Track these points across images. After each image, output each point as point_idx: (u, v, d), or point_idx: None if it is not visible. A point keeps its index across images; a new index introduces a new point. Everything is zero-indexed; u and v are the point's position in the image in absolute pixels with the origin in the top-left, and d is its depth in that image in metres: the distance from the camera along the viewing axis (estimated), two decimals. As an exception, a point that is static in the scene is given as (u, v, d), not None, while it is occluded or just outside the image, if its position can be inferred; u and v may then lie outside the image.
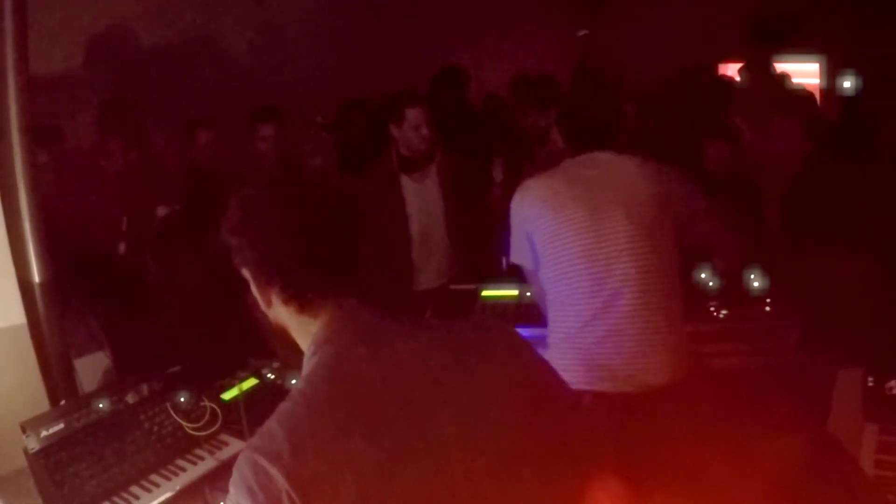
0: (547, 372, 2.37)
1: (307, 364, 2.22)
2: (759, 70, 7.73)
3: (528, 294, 5.22)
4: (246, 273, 2.32)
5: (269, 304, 2.31)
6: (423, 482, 2.01)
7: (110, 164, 6.68)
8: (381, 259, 6.32)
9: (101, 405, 3.54)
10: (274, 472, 1.94)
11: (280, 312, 2.31)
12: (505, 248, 4.58)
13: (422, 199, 6.40)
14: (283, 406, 2.09)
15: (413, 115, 6.19)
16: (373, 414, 2.05)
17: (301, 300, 2.24)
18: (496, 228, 6.10)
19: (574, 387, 4.06)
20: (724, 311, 5.27)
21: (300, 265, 2.22)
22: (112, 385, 3.87)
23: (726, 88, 8.48)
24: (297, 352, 2.31)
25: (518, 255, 4.47)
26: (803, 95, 9.08)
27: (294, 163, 7.20)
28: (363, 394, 2.08)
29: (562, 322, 4.26)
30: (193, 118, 7.23)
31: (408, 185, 6.40)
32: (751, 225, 6.40)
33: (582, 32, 9.90)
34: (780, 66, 9.54)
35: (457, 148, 6.74)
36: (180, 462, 3.58)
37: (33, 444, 3.28)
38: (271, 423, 2.05)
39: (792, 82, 9.68)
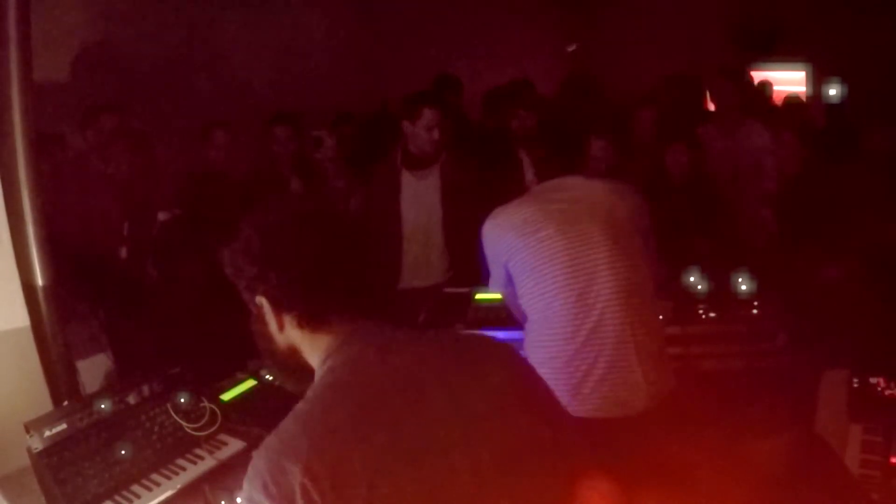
0: (538, 380, 2.41)
1: (319, 370, 2.23)
2: (733, 78, 7.73)
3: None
4: (260, 301, 2.30)
5: (281, 328, 2.30)
6: (431, 477, 2.03)
7: (114, 170, 6.67)
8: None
9: (102, 406, 3.54)
10: (290, 466, 1.94)
11: (292, 335, 2.30)
12: (484, 276, 4.51)
13: (420, 197, 6.41)
14: (299, 406, 2.10)
15: (429, 115, 6.21)
16: (384, 413, 2.07)
17: (318, 321, 2.25)
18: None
19: None
20: (712, 314, 5.28)
21: (320, 288, 2.23)
22: (113, 386, 3.86)
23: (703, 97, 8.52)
24: (302, 378, 2.31)
25: (496, 284, 4.41)
26: (795, 103, 9.13)
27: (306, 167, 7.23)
28: (375, 395, 2.10)
29: (542, 349, 4.16)
30: (211, 121, 7.26)
31: (409, 181, 6.42)
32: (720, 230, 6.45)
33: (571, 48, 9.90)
34: (767, 74, 9.59)
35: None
36: (180, 461, 3.58)
37: (37, 444, 3.28)
38: (287, 422, 2.07)
39: (773, 90, 9.74)
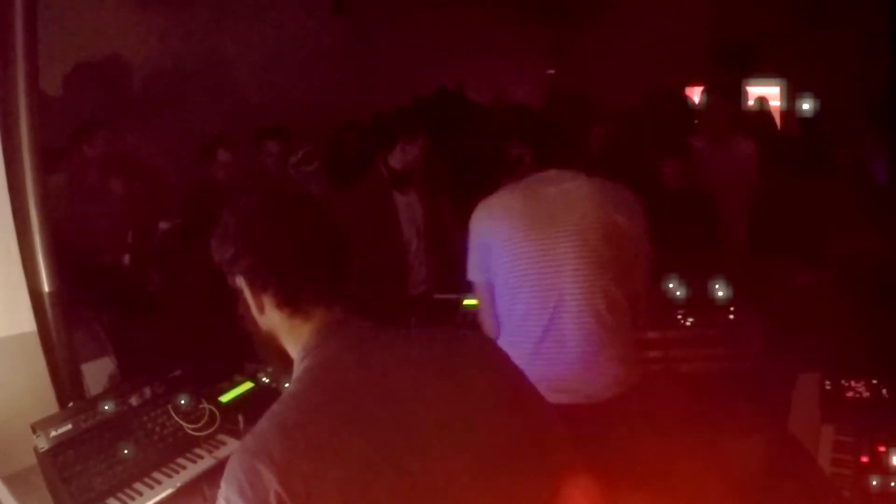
0: (520, 376, 2.37)
1: (297, 368, 2.21)
2: (720, 93, 7.74)
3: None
4: (240, 281, 2.29)
5: (261, 309, 2.29)
6: (406, 480, 2.00)
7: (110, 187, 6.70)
8: (374, 266, 6.36)
9: (106, 407, 3.54)
10: (264, 470, 1.92)
11: (272, 318, 2.29)
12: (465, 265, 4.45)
13: (404, 213, 6.41)
14: (274, 408, 2.08)
15: (407, 144, 6.21)
16: (359, 416, 2.04)
17: (294, 303, 2.23)
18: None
19: None
20: (690, 319, 5.29)
21: (294, 267, 2.22)
22: (117, 388, 3.85)
23: (691, 110, 8.50)
24: (286, 361, 2.30)
25: (474, 270, 4.35)
26: (763, 115, 9.15)
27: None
28: (350, 397, 2.07)
29: (513, 336, 4.16)
30: (214, 138, 7.26)
31: (397, 196, 6.40)
32: (704, 239, 6.45)
33: (550, 71, 9.92)
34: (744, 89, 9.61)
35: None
36: (181, 461, 3.58)
37: (43, 444, 3.28)
38: (262, 424, 2.04)
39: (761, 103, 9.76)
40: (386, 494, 1.97)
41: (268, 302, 2.26)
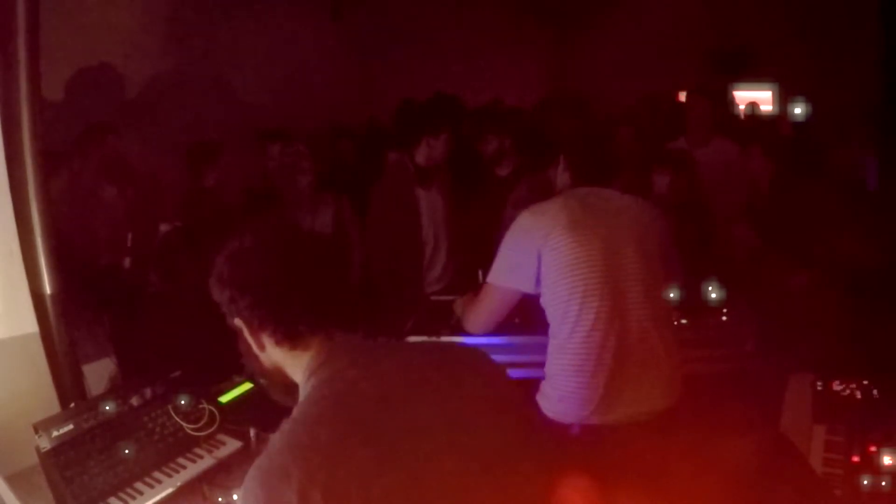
0: (506, 380, 2.42)
1: (304, 389, 2.25)
2: (701, 94, 7.76)
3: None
4: (238, 323, 2.34)
5: (262, 347, 2.34)
6: (414, 482, 2.03)
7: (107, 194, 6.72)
8: (394, 262, 6.38)
9: (107, 407, 3.54)
10: (284, 488, 1.95)
11: (273, 354, 2.34)
12: (490, 270, 4.35)
13: (428, 209, 6.48)
14: (285, 426, 2.11)
15: (432, 142, 6.29)
16: (367, 424, 2.07)
17: (292, 337, 2.27)
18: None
19: (565, 418, 4.04)
20: (683, 320, 5.28)
21: (289, 306, 2.25)
22: (117, 389, 3.86)
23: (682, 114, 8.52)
24: (292, 390, 2.33)
25: (513, 276, 4.23)
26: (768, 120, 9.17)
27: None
28: (358, 407, 2.11)
29: (570, 348, 4.06)
30: (214, 142, 7.29)
31: (419, 192, 6.46)
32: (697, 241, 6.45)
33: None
34: (736, 93, 9.63)
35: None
36: (181, 460, 3.58)
37: (45, 444, 3.29)
38: (275, 444, 2.07)
39: (752, 108, 9.78)
40: (398, 495, 2.00)
41: (267, 340, 2.31)
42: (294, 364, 2.31)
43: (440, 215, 6.48)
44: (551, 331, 4.19)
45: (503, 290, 4.31)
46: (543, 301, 4.18)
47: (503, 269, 4.27)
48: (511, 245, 4.26)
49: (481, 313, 4.47)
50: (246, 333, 2.34)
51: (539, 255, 4.11)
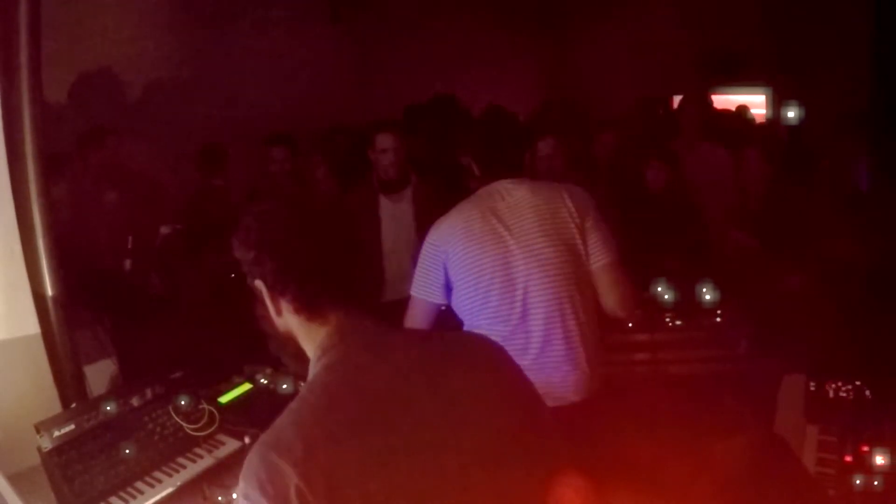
0: (520, 375, 2.40)
1: (314, 367, 2.23)
2: (693, 99, 7.78)
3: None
4: (259, 284, 2.30)
5: (279, 313, 2.30)
6: (421, 474, 2.03)
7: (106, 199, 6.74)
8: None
9: (108, 408, 3.54)
10: (284, 466, 1.93)
11: (290, 321, 2.30)
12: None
13: (396, 218, 6.45)
14: (293, 405, 2.10)
15: (380, 140, 6.32)
16: (374, 412, 2.06)
17: (312, 308, 2.24)
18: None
19: None
20: (678, 322, 5.30)
21: (313, 275, 2.23)
22: (118, 389, 3.86)
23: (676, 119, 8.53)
24: (303, 361, 2.31)
25: (423, 287, 4.34)
26: (759, 124, 9.18)
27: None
28: (366, 394, 2.09)
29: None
30: (214, 145, 7.31)
31: (385, 204, 6.47)
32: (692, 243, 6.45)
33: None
34: (730, 98, 9.63)
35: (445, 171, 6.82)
36: (181, 460, 3.58)
37: (46, 444, 3.28)
38: (281, 421, 2.06)
39: (750, 113, 9.79)
40: (400, 486, 2.00)
41: (285, 306, 2.28)
42: (308, 336, 2.28)
43: (408, 225, 6.47)
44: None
45: (418, 301, 4.39)
46: (454, 306, 4.29)
47: (417, 281, 4.37)
48: (421, 258, 4.35)
49: (407, 324, 4.47)
50: (266, 296, 2.30)
51: (444, 265, 4.23)
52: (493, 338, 3.97)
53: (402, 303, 6.17)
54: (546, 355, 4.08)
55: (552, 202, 4.19)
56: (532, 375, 3.58)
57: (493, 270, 4.09)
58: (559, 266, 4.10)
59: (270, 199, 2.36)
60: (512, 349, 3.96)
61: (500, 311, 4.10)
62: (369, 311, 2.31)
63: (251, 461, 2.00)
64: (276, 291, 2.27)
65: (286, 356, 2.43)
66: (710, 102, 9.57)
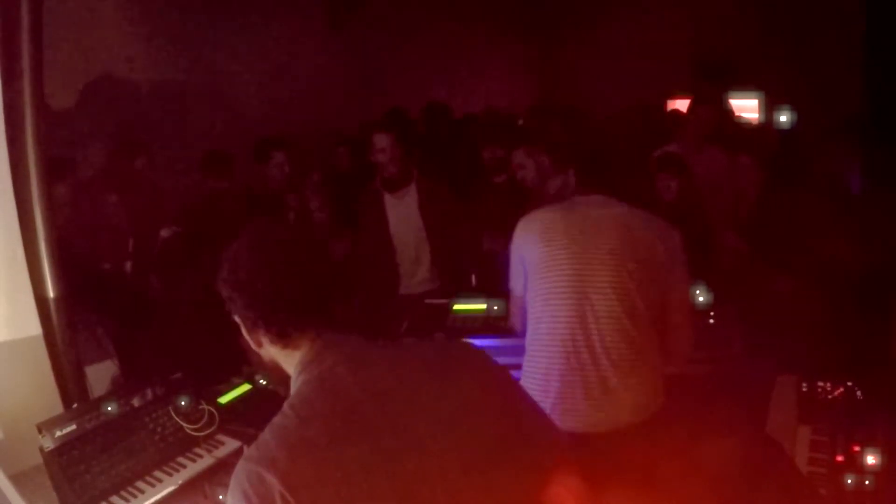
0: (507, 378, 2.42)
1: (295, 383, 2.27)
2: (707, 104, 7.72)
3: (496, 308, 5.22)
4: (237, 319, 2.37)
5: (259, 344, 2.37)
6: (403, 481, 2.04)
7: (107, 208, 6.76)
8: (371, 266, 6.45)
9: (109, 408, 3.55)
10: (268, 476, 1.97)
11: (270, 350, 2.36)
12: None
13: (401, 215, 6.54)
14: (275, 420, 2.13)
15: (377, 139, 6.43)
16: (355, 422, 2.08)
17: (284, 337, 2.29)
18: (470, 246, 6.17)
19: None
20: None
21: (278, 308, 2.27)
22: (119, 390, 3.86)
23: (671, 123, 8.50)
24: (289, 385, 2.34)
25: (513, 279, 4.33)
26: (758, 129, 9.17)
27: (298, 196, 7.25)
28: (346, 404, 2.12)
29: (535, 357, 4.10)
30: (214, 151, 7.33)
31: (389, 202, 6.57)
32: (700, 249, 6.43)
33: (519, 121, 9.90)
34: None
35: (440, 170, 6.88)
36: (181, 460, 3.59)
37: (48, 444, 3.29)
38: (264, 436, 2.10)
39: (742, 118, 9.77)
40: (384, 493, 2.01)
41: (263, 338, 2.34)
42: (287, 361, 2.33)
43: (414, 221, 6.55)
44: (528, 333, 4.24)
45: (512, 295, 4.40)
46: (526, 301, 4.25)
47: (511, 274, 4.37)
48: (511, 251, 4.34)
49: (509, 317, 4.53)
50: (244, 330, 2.37)
51: (523, 260, 4.22)
52: (538, 341, 4.03)
53: (413, 298, 6.26)
54: (599, 371, 3.96)
55: (640, 229, 4.10)
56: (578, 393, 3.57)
57: (558, 275, 4.05)
58: (630, 282, 3.99)
59: (240, 240, 2.39)
60: (563, 367, 3.95)
61: (561, 317, 4.02)
62: (348, 325, 2.35)
63: (237, 476, 2.04)
64: (250, 325, 2.34)
65: (273, 383, 2.48)
66: (729, 107, 9.54)
